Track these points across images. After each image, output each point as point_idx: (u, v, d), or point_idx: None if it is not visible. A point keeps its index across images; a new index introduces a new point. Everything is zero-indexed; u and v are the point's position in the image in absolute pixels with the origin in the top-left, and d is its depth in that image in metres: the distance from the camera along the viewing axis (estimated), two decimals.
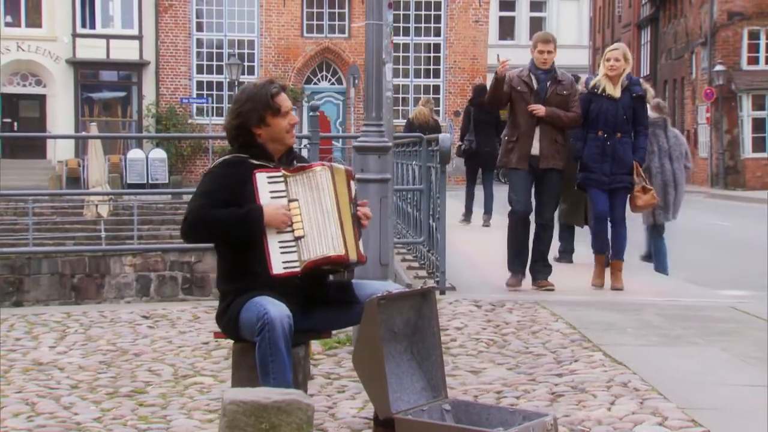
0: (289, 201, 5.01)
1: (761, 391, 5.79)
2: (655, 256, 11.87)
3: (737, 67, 38.22)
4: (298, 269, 4.97)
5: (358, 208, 5.22)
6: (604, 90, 9.31)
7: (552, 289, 9.33)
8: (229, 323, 5.06)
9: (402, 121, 37.83)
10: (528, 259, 9.56)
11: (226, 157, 5.15)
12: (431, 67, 41.64)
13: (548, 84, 9.32)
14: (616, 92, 9.26)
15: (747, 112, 37.97)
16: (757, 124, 37.84)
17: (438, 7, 41.38)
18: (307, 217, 5.01)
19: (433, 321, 5.24)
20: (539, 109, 9.22)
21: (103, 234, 24.81)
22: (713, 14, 38.84)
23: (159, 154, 37.01)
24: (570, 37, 61.63)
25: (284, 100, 5.17)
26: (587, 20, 63.84)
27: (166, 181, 36.15)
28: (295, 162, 5.24)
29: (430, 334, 5.25)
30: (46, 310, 9.67)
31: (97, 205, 27.35)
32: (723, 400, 5.60)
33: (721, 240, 18.94)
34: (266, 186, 5.02)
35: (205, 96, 39.58)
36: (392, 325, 5.10)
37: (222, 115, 37.71)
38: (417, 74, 41.37)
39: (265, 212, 4.93)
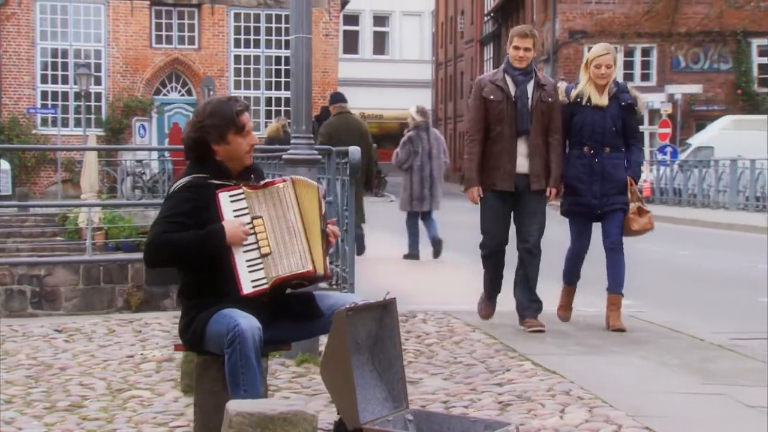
0: (253, 218, 4.93)
1: (700, 398, 5.96)
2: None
3: (578, 83, 39.21)
4: (266, 286, 4.91)
5: (328, 225, 5.18)
6: (589, 100, 8.02)
7: (543, 331, 7.92)
8: (194, 336, 4.96)
9: (256, 134, 38.04)
10: (500, 287, 8.43)
11: (187, 179, 4.99)
12: (282, 79, 41.51)
13: (530, 89, 7.96)
14: (603, 100, 7.98)
15: None
16: None
17: (288, 19, 41.27)
18: (272, 234, 4.95)
19: (395, 332, 5.24)
20: (552, 194, 8.08)
21: None
22: (555, 32, 39.85)
23: (2, 165, 35.92)
24: (413, 52, 62.52)
25: (248, 119, 5.09)
26: (429, 36, 64.74)
27: (10, 193, 35.13)
28: (253, 177, 5.17)
29: (391, 344, 5.25)
30: None
31: None
32: (667, 408, 5.72)
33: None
34: (229, 205, 4.93)
35: (50, 106, 38.60)
36: (357, 337, 5.09)
37: (69, 126, 36.96)
38: (268, 86, 41.17)
39: (227, 230, 4.85)
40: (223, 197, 4.93)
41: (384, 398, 5.22)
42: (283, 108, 38.64)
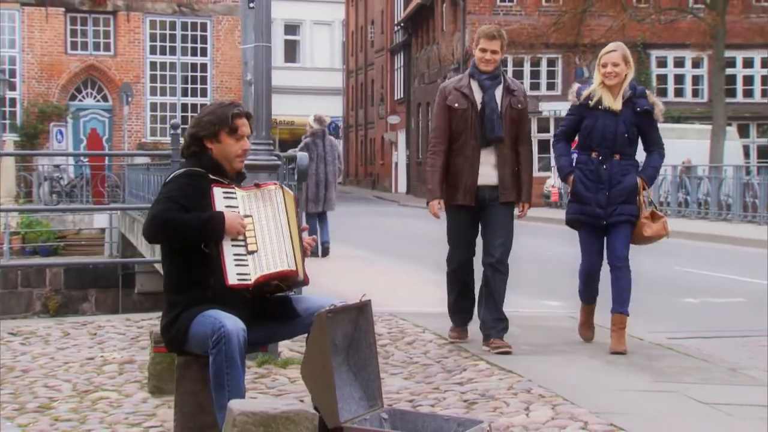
0: (244, 216, 4.97)
1: (654, 395, 6.06)
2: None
3: None
4: (250, 282, 4.93)
5: (302, 234, 5.22)
6: (600, 102, 7.28)
7: (510, 352, 7.21)
8: (177, 336, 4.94)
9: (168, 139, 37.72)
10: (474, 304, 7.70)
11: (184, 169, 5.06)
12: (198, 86, 41.24)
13: (499, 94, 7.34)
14: (616, 104, 7.24)
15: None
16: None
17: (204, 27, 41.02)
18: (260, 233, 4.99)
19: (370, 333, 5.26)
20: (525, 210, 7.54)
21: None
22: (465, 42, 40.16)
23: None
24: (323, 60, 62.44)
25: (243, 125, 5.14)
26: (340, 44, 64.76)
27: None
28: (242, 181, 5.25)
29: (366, 345, 5.27)
30: None
31: None
32: (626, 405, 5.80)
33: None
34: (222, 201, 5.00)
35: None
36: (334, 338, 5.10)
37: None
38: (184, 93, 40.87)
39: (226, 218, 4.89)
40: (217, 192, 4.99)
41: (360, 397, 5.23)
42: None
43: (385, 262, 16.01)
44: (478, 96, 7.34)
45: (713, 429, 5.36)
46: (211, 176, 5.02)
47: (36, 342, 7.73)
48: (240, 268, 4.90)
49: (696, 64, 40.32)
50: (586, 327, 7.77)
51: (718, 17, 34.39)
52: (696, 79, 40.67)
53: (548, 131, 37.03)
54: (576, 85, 7.54)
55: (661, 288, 12.14)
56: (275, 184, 5.17)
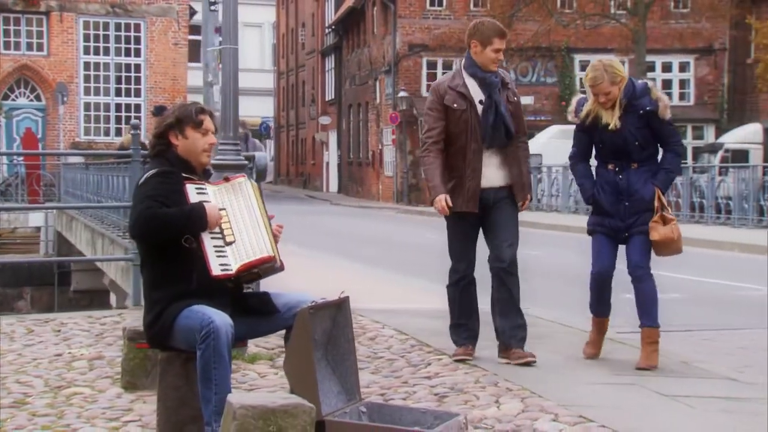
0: (218, 209, 4.98)
1: (617, 388, 6.14)
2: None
3: (418, 94, 39.75)
4: (232, 272, 4.93)
5: (270, 221, 5.22)
6: (598, 119, 6.74)
7: (534, 362, 6.72)
8: (161, 331, 4.91)
9: (106, 139, 37.31)
10: (479, 319, 7.01)
11: (155, 169, 5.04)
12: (132, 86, 40.82)
13: (498, 89, 6.76)
14: (613, 121, 6.67)
15: None
16: None
17: (138, 28, 40.62)
18: (235, 224, 5.02)
19: (348, 329, 5.28)
20: (525, 205, 6.95)
21: None
22: (396, 45, 40.25)
23: None
24: (254, 62, 62.20)
25: (207, 120, 5.16)
26: (270, 46, 64.54)
27: None
28: (209, 177, 5.26)
29: (345, 341, 5.29)
30: None
31: None
32: (591, 397, 5.87)
33: (434, 249, 19.69)
34: (195, 196, 5.01)
35: None
36: (314, 333, 5.10)
37: None
38: (118, 93, 40.44)
39: (207, 209, 4.90)
40: (190, 188, 5.02)
41: (338, 392, 5.24)
42: (133, 114, 38.06)
43: (329, 260, 16.02)
44: (476, 95, 6.77)
45: (678, 420, 5.44)
46: (182, 174, 5.02)
47: (1, 339, 7.60)
48: (221, 259, 4.92)
49: None
50: (592, 344, 7.06)
51: (640, 23, 34.93)
52: None
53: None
54: (574, 102, 6.90)
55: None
56: (243, 176, 5.23)
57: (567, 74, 40.03)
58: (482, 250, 6.99)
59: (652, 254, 6.86)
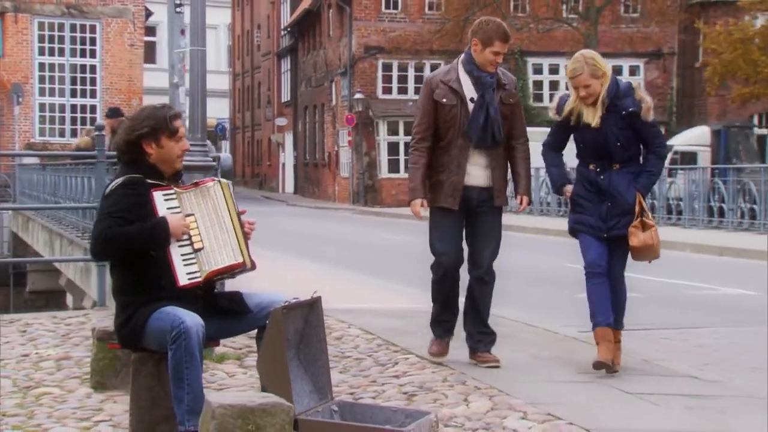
0: (186, 216, 4.93)
1: (582, 386, 6.18)
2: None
3: (374, 96, 39.83)
4: (200, 279, 4.92)
5: (241, 217, 5.18)
6: (580, 117, 6.53)
7: (498, 366, 6.66)
8: (133, 333, 4.88)
9: (61, 140, 36.95)
10: (455, 320, 6.89)
11: (123, 178, 4.97)
12: (87, 87, 40.47)
13: (493, 90, 6.60)
14: (594, 120, 6.44)
15: (383, 136, 39.67)
16: (392, 148, 39.61)
17: (93, 29, 40.29)
18: (204, 230, 4.98)
19: (320, 328, 5.27)
20: (524, 204, 6.79)
21: None
22: (352, 47, 40.25)
23: None
24: (210, 63, 61.83)
25: (181, 125, 5.10)
26: (226, 48, 64.27)
27: None
28: (181, 181, 5.18)
29: (317, 340, 5.28)
30: None
31: None
32: (558, 395, 5.89)
33: (392, 249, 19.74)
34: (163, 203, 4.95)
35: None
36: (287, 333, 5.09)
37: None
38: (73, 94, 40.08)
39: (170, 223, 4.86)
40: (157, 196, 4.95)
41: (310, 391, 5.23)
42: (88, 115, 37.79)
43: (288, 260, 15.98)
44: (468, 92, 6.58)
45: (643, 417, 5.49)
46: (149, 181, 4.94)
47: None
48: (189, 267, 4.89)
49: None
50: (604, 350, 6.50)
51: (591, 27, 35.21)
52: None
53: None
54: (557, 99, 6.70)
55: (556, 284, 12.37)
56: (212, 180, 5.15)
57: (520, 77, 40.21)
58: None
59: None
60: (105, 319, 7.67)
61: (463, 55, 6.72)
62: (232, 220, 5.02)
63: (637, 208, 6.54)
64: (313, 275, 13.45)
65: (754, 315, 10.35)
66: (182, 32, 7.92)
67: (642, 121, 6.52)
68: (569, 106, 6.55)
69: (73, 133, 36.23)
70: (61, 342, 7.41)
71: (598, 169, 6.59)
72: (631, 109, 6.48)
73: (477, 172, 6.64)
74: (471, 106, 6.57)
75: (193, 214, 4.96)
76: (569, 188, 6.70)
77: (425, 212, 6.73)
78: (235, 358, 6.97)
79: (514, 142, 6.75)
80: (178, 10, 7.82)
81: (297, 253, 17.45)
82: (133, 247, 4.81)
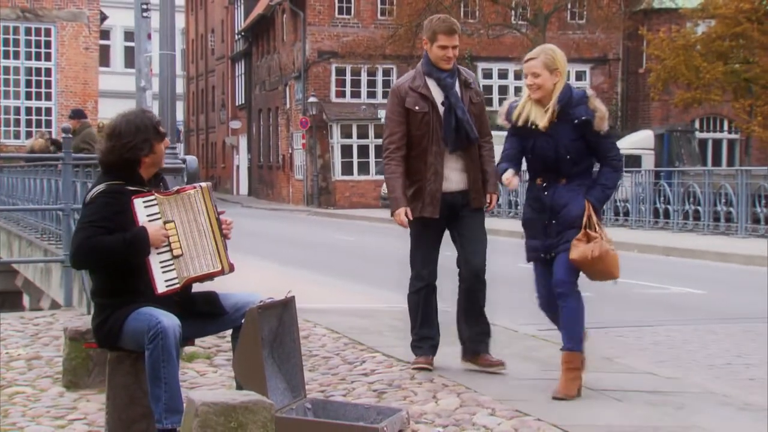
0: (165, 222, 4.90)
1: (549, 383, 6.17)
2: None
3: (327, 99, 39.80)
4: (178, 286, 4.92)
5: (220, 219, 5.16)
6: (529, 121, 5.91)
7: (503, 372, 6.44)
8: (110, 333, 4.87)
9: (16, 142, 36.54)
10: (439, 327, 6.59)
11: (103, 186, 4.93)
12: (43, 90, 40.07)
13: (460, 90, 6.35)
14: (542, 121, 5.85)
15: (337, 139, 39.65)
16: (345, 150, 39.62)
17: (48, 33, 39.89)
18: (183, 237, 4.96)
19: (294, 327, 5.30)
20: (493, 202, 6.55)
21: None
22: (305, 52, 40.17)
23: None
24: (156, 67, 61.50)
25: (161, 125, 5.10)
26: (180, 51, 63.82)
27: None
28: (161, 184, 5.15)
29: (290, 339, 5.29)
30: None
31: None
32: (525, 392, 5.92)
33: (348, 250, 19.75)
34: (143, 210, 4.93)
35: None
36: (262, 332, 5.09)
37: None
38: (28, 96, 39.67)
39: (149, 233, 4.84)
40: (138, 203, 4.91)
41: (284, 389, 5.25)
42: (44, 117, 37.49)
43: (247, 260, 15.89)
44: (438, 96, 6.34)
45: (608, 413, 5.54)
46: (130, 188, 4.90)
47: None
48: (167, 274, 4.88)
49: (518, 75, 41.30)
50: (567, 382, 5.89)
51: (540, 33, 35.42)
52: (519, 90, 41.65)
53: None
54: (506, 105, 6.11)
55: (510, 283, 12.40)
56: (194, 187, 5.09)
57: None
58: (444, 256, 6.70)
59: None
60: (74, 319, 7.60)
61: (422, 59, 6.53)
62: (212, 226, 5.01)
63: (584, 220, 5.86)
64: (276, 275, 13.44)
65: (703, 313, 10.49)
66: (149, 36, 7.86)
67: (595, 131, 5.88)
68: (519, 106, 5.96)
69: (28, 135, 35.84)
70: (30, 342, 7.34)
71: (544, 184, 5.97)
72: (584, 118, 5.85)
73: (455, 177, 6.41)
74: (442, 110, 6.36)
75: (173, 221, 4.94)
76: (509, 173, 5.97)
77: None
78: (205, 357, 6.94)
79: (481, 140, 6.49)
80: (144, 14, 7.76)
81: (256, 254, 17.37)
82: (112, 258, 4.78)
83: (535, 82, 5.84)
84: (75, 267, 4.90)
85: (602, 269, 5.91)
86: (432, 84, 6.37)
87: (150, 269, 4.83)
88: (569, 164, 5.90)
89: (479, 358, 6.48)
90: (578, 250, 5.81)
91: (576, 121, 5.84)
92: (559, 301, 5.94)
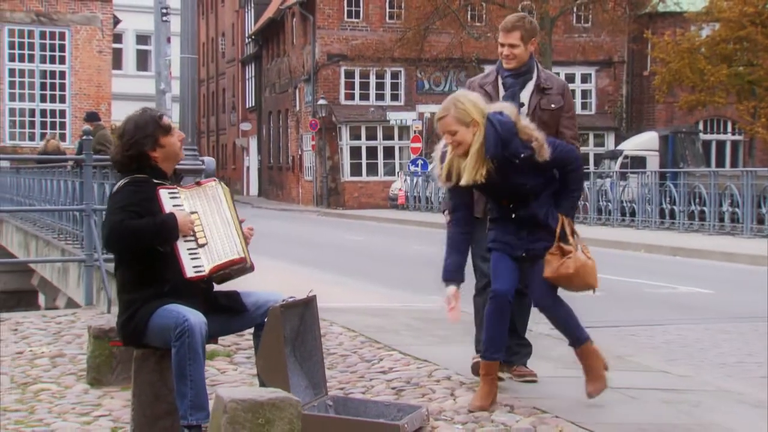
0: (190, 213, 4.94)
1: (566, 381, 6.15)
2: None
3: (336, 102, 39.81)
4: (205, 273, 4.92)
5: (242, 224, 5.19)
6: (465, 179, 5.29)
7: (535, 381, 6.12)
8: (136, 330, 4.87)
9: (31, 144, 36.61)
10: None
11: (128, 177, 4.96)
12: (57, 93, 40.14)
13: (527, 94, 5.88)
14: (477, 175, 5.27)
15: (346, 141, 39.67)
16: (354, 152, 39.63)
17: (63, 36, 39.98)
18: (207, 227, 5.00)
19: (315, 326, 5.29)
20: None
21: None
22: (315, 55, 40.19)
23: None
24: (175, 70, 61.50)
25: (168, 119, 5.13)
26: None
27: None
28: (181, 180, 5.20)
29: (312, 337, 5.29)
30: None
31: None
32: (544, 390, 5.91)
33: (358, 250, 19.75)
34: (169, 201, 4.95)
35: None
36: (284, 330, 5.09)
37: None
38: (43, 99, 39.76)
39: (178, 218, 4.86)
40: (163, 193, 4.97)
41: (306, 386, 5.24)
42: (58, 119, 37.61)
43: (263, 261, 15.90)
44: (502, 95, 5.90)
45: (624, 411, 5.54)
46: (154, 180, 4.96)
47: None
48: (195, 261, 4.90)
49: None
50: (483, 394, 5.49)
51: (546, 36, 35.35)
52: None
53: (392, 139, 37.63)
54: (437, 157, 5.50)
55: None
56: (214, 180, 5.19)
57: None
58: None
59: None
60: (95, 317, 7.61)
61: None
62: (232, 216, 5.05)
63: (557, 231, 5.43)
64: (288, 275, 13.42)
65: (712, 312, 10.47)
66: (168, 40, 7.88)
67: (540, 160, 5.31)
68: (447, 162, 5.37)
69: (43, 137, 35.93)
70: (53, 340, 7.36)
71: (511, 206, 5.46)
72: (523, 156, 5.27)
73: None
74: None
75: (196, 212, 4.98)
76: (451, 290, 5.42)
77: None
78: (225, 354, 6.95)
79: None
80: (164, 18, 7.77)
81: (268, 254, 17.36)
82: (144, 240, 4.80)
83: (455, 139, 5.27)
84: (109, 250, 4.93)
85: (578, 283, 5.54)
86: (500, 83, 5.98)
87: (179, 255, 4.84)
88: (530, 189, 5.41)
89: (513, 369, 6.19)
90: (552, 267, 5.42)
91: (517, 160, 5.28)
92: (546, 314, 5.67)
